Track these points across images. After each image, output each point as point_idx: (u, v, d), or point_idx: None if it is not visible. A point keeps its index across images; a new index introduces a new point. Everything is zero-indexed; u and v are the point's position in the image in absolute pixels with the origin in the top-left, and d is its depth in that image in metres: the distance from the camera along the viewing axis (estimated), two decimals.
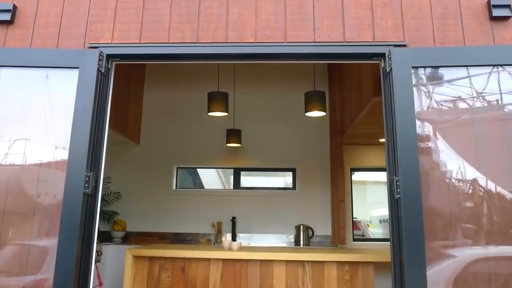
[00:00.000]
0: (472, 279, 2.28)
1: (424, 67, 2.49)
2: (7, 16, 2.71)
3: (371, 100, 3.75)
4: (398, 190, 2.32)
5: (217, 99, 4.74)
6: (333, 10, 2.65)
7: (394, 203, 2.38)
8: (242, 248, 3.84)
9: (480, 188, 2.36)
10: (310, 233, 5.57)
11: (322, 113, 4.67)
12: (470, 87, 2.48)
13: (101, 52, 2.58)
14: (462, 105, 2.49)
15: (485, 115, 2.47)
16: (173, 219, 5.88)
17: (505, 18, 2.59)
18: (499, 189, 2.36)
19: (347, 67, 5.01)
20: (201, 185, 6.34)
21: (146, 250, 3.53)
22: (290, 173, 6.06)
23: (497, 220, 2.33)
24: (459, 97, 2.48)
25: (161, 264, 3.51)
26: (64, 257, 2.28)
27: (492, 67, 2.48)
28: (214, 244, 5.64)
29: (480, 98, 2.48)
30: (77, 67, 2.53)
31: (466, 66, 2.48)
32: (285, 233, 5.76)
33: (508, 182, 2.36)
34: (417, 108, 2.42)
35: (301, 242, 5.46)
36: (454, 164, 2.39)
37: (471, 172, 2.37)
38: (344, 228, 5.40)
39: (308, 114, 4.71)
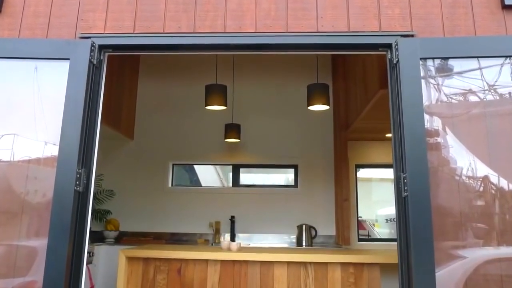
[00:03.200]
0: (483, 281, 2.23)
1: (433, 58, 2.44)
2: None
3: (377, 93, 3.71)
4: (406, 187, 2.27)
5: (215, 92, 4.68)
6: None
7: (401, 201, 2.33)
8: (241, 249, 3.81)
9: (492, 186, 2.30)
10: (313, 233, 5.52)
11: (325, 107, 4.59)
12: (481, 79, 2.43)
13: (93, 43, 2.52)
14: (472, 98, 2.43)
15: (497, 109, 2.42)
16: (169, 218, 5.81)
17: None
18: None
19: (352, 59, 4.97)
20: (198, 183, 6.30)
21: (141, 251, 3.51)
22: (292, 170, 6.00)
23: (509, 219, 2.27)
24: (470, 89, 2.42)
25: (157, 266, 3.49)
26: (54, 258, 2.22)
27: (504, 58, 2.42)
28: (212, 244, 5.59)
29: (492, 90, 2.42)
30: (68, 59, 2.46)
31: (477, 57, 2.42)
32: (286, 233, 5.69)
33: None
34: (425, 101, 2.37)
35: (304, 243, 5.41)
36: (464, 160, 2.34)
37: (482, 169, 2.31)
38: (348, 228, 5.33)
39: (310, 108, 4.64)
